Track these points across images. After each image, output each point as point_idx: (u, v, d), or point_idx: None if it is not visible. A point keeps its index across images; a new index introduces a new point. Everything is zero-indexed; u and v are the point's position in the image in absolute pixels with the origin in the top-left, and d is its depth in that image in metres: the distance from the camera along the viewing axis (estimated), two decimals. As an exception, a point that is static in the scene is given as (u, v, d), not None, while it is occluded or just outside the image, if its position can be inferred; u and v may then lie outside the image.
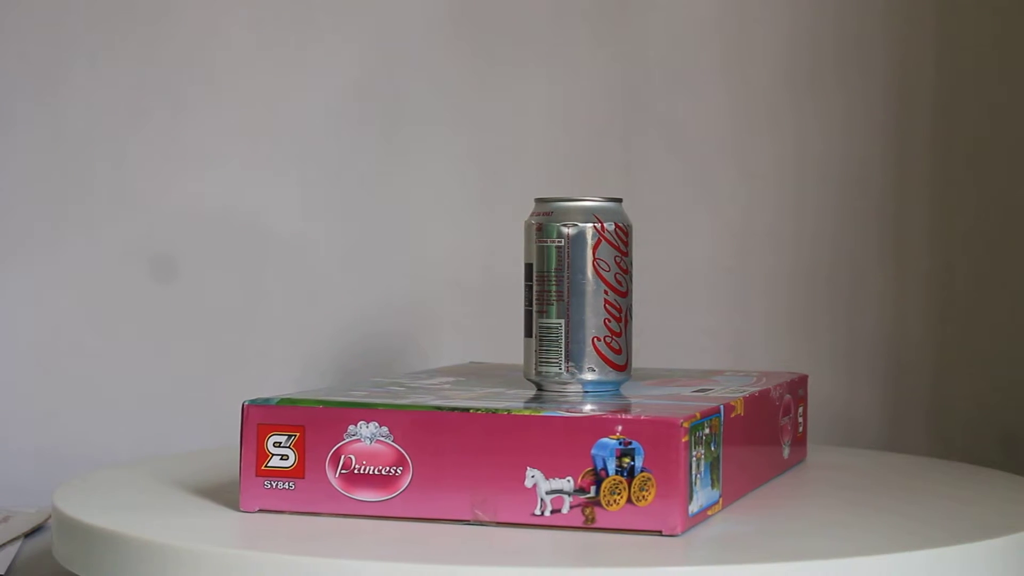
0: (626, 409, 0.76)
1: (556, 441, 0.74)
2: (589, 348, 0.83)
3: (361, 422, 0.77)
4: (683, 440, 0.73)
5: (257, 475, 0.78)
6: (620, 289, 0.84)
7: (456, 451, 0.75)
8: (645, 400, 0.82)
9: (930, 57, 1.24)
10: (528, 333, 0.85)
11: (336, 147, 1.21)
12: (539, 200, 0.85)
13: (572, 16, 1.23)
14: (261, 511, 0.78)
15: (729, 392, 0.86)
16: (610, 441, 0.73)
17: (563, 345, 0.83)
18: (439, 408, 0.76)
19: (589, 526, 0.74)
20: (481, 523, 0.75)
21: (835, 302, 1.25)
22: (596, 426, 0.74)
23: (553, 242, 0.83)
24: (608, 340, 0.84)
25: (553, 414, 0.75)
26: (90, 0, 1.18)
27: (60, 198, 1.19)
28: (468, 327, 1.22)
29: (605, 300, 0.84)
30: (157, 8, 1.19)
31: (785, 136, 1.24)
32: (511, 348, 1.19)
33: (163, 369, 1.20)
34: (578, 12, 1.23)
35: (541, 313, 0.84)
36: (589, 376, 0.83)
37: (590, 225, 0.83)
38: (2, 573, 0.93)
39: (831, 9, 1.24)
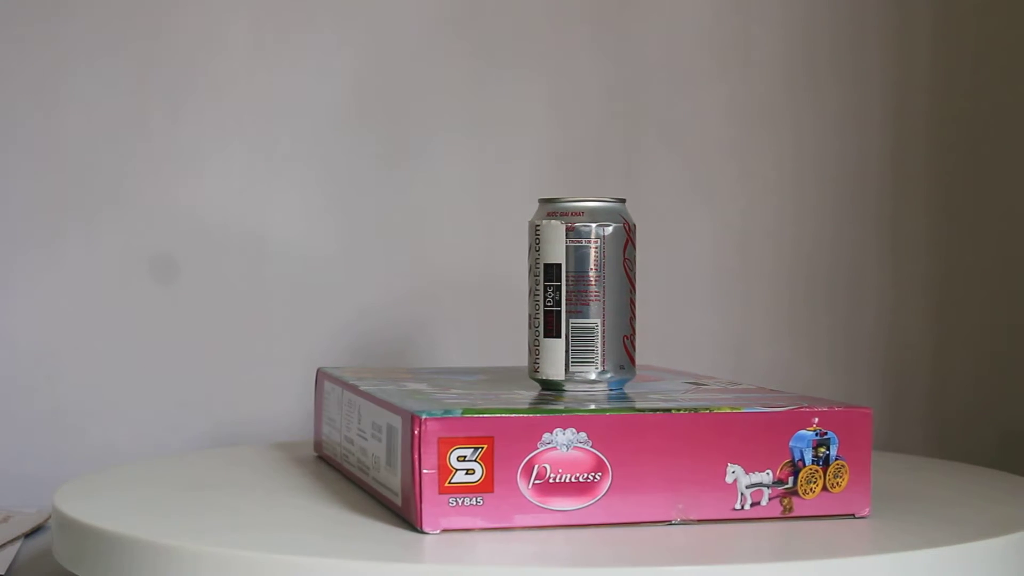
0: (812, 402, 0.79)
1: (756, 436, 0.77)
2: (620, 346, 0.84)
3: (557, 429, 0.75)
4: (872, 428, 0.78)
5: (441, 492, 0.74)
6: (635, 287, 0.85)
7: (657, 452, 0.76)
8: (672, 394, 0.83)
9: (927, 56, 1.24)
10: (554, 334, 0.84)
11: (336, 147, 1.21)
12: (549, 200, 0.85)
13: (572, 16, 1.23)
14: (444, 531, 0.74)
15: (728, 387, 0.88)
16: (807, 433, 0.77)
17: (599, 345, 0.83)
18: (641, 410, 0.76)
19: (786, 515, 0.77)
20: (685, 522, 0.76)
21: (835, 302, 1.25)
22: (795, 419, 0.77)
23: (590, 243, 0.83)
24: (632, 338, 0.85)
25: (754, 410, 0.77)
26: (90, 2, 1.18)
27: (60, 200, 1.18)
28: (468, 327, 1.22)
29: (630, 299, 0.84)
30: (156, 9, 1.19)
31: (785, 136, 1.24)
32: (511, 348, 1.20)
33: (163, 369, 1.20)
34: (578, 12, 1.23)
35: (575, 313, 0.83)
36: (618, 375, 0.84)
37: (620, 225, 0.84)
38: (2, 573, 0.93)
39: (829, 9, 1.24)
